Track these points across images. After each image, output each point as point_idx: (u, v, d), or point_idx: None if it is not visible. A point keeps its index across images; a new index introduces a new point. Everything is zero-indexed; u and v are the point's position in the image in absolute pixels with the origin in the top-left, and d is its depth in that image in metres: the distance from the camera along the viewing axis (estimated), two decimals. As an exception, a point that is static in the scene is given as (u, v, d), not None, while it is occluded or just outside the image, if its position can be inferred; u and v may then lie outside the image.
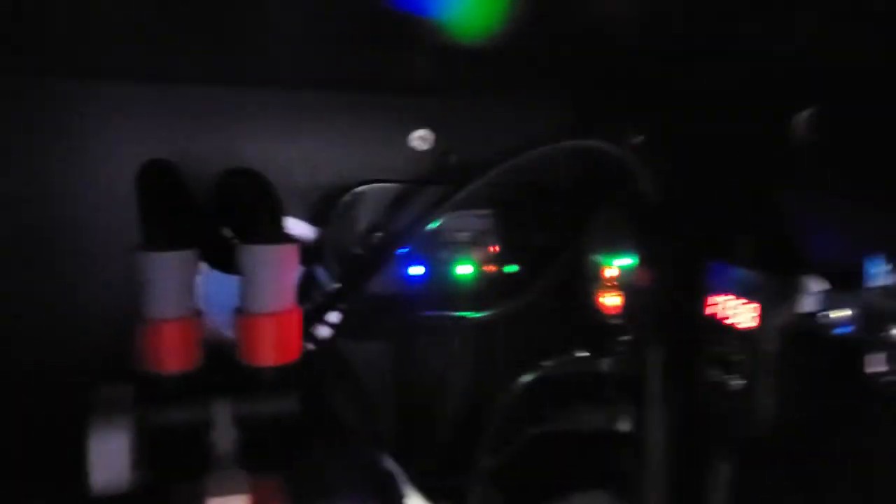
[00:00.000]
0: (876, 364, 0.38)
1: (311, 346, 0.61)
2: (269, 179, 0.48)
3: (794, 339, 0.44)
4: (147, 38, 0.46)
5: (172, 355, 0.43)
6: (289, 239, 0.46)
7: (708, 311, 0.47)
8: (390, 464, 0.47)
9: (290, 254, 0.45)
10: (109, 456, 0.38)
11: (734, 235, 0.47)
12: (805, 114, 0.44)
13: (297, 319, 0.46)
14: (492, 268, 0.64)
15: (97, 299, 0.56)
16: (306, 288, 0.62)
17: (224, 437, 0.43)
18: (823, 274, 0.42)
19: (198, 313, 0.45)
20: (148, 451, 0.42)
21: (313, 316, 0.61)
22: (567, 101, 0.67)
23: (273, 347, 0.45)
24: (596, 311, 0.56)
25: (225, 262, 0.48)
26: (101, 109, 0.56)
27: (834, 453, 0.44)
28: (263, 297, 0.45)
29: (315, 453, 0.45)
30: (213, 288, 0.60)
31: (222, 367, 0.47)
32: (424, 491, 0.49)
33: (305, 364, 0.58)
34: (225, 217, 0.49)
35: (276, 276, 0.45)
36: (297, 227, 0.62)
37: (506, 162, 0.53)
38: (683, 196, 0.53)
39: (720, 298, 0.46)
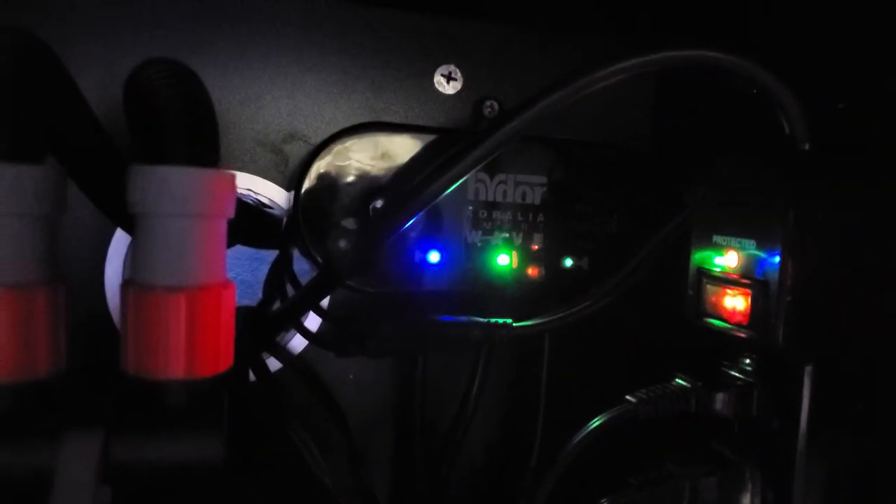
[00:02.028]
0: None
1: (273, 362, 0.43)
2: (197, 76, 0.29)
3: None
4: None
5: (-2, 352, 0.24)
6: (217, 164, 0.27)
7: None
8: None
9: (218, 185, 0.26)
10: None
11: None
12: None
13: (228, 302, 0.27)
14: (535, 271, 0.46)
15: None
16: (276, 280, 0.44)
17: (78, 499, 0.24)
18: None
19: (58, 282, 0.26)
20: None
21: (282, 320, 0.43)
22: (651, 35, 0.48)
23: (182, 348, 0.26)
24: (707, 320, 0.37)
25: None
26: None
27: None
28: (166, 260, 0.26)
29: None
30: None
31: (115, 383, 0.28)
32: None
33: (263, 390, 0.40)
34: (132, 135, 0.31)
35: (192, 222, 0.26)
36: (266, 190, 0.44)
37: (573, 83, 0.35)
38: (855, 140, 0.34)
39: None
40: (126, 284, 0.26)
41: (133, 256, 0.27)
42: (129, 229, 0.33)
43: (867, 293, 0.32)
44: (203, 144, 0.27)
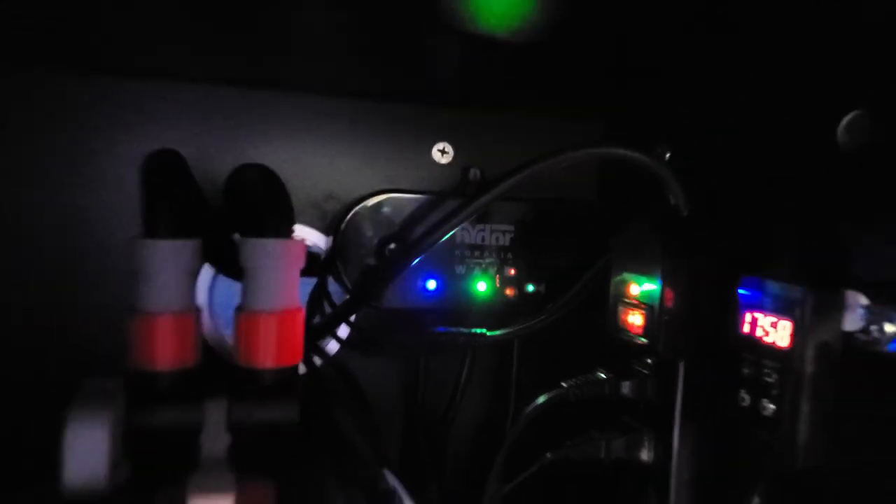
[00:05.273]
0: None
1: (318, 361, 0.59)
2: (278, 175, 0.46)
3: (835, 359, 0.40)
4: (167, 36, 0.46)
5: (166, 351, 0.41)
6: (293, 235, 0.44)
7: (742, 329, 0.44)
8: (393, 481, 0.44)
9: (294, 250, 0.43)
10: (86, 451, 0.35)
11: (771, 248, 0.44)
12: (850, 118, 0.42)
13: (300, 320, 0.43)
14: (512, 291, 0.62)
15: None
16: (317, 300, 0.60)
17: (215, 440, 0.40)
18: (872, 288, 0.39)
19: (197, 309, 0.42)
20: (133, 450, 0.39)
21: (322, 330, 0.59)
22: (598, 119, 0.64)
23: (273, 348, 0.42)
24: (619, 332, 0.53)
25: (232, 267, 0.45)
26: (119, 108, 0.55)
27: (882, 487, 0.40)
28: (264, 294, 0.42)
29: (312, 464, 0.42)
30: (220, 293, 0.58)
31: (221, 369, 0.44)
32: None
33: (311, 378, 0.56)
34: (233, 215, 0.47)
35: (279, 272, 0.42)
36: (310, 236, 0.60)
37: (527, 169, 0.51)
38: (715, 209, 0.50)
39: (756, 315, 0.43)
40: (239, 309, 0.43)
41: (243, 292, 0.43)
42: (228, 274, 0.49)
43: (716, 314, 0.47)
44: (285, 223, 0.43)
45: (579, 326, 0.59)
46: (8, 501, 0.37)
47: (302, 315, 0.44)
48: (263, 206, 0.43)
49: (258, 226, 0.43)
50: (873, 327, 0.36)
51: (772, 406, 0.42)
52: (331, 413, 0.53)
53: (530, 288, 0.62)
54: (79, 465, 0.35)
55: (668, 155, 0.57)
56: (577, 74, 0.53)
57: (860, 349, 0.37)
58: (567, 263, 0.62)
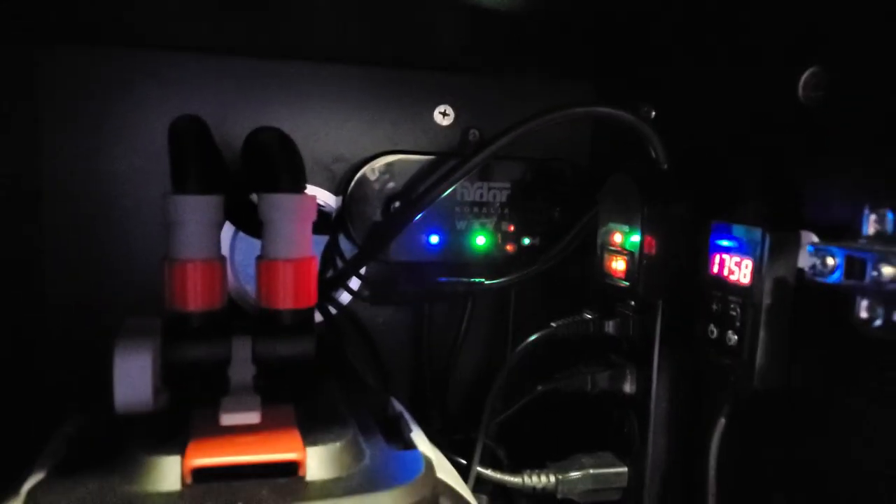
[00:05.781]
0: (864, 310, 0.39)
1: (333, 311, 0.64)
2: (290, 137, 0.50)
3: (788, 293, 0.45)
4: (187, 10, 0.50)
5: (197, 294, 0.46)
6: (305, 189, 0.49)
7: (712, 269, 0.49)
8: (400, 407, 0.49)
9: (307, 203, 0.48)
10: (133, 374, 0.40)
11: (738, 195, 0.49)
12: (808, 73, 0.46)
13: (314, 267, 0.49)
14: (511, 247, 0.66)
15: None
16: (329, 256, 0.65)
17: (242, 372, 0.46)
18: (821, 228, 0.44)
19: (222, 258, 0.48)
20: (170, 381, 0.45)
21: (335, 282, 0.64)
22: (589, 82, 0.69)
23: (290, 291, 0.47)
24: (604, 277, 0.57)
25: (251, 224, 0.51)
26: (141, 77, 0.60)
27: (830, 405, 0.45)
28: (281, 244, 0.47)
29: (327, 391, 0.47)
30: (241, 251, 0.63)
31: (244, 318, 0.49)
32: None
33: (327, 324, 0.61)
34: (251, 175, 0.52)
35: (294, 223, 0.47)
36: (321, 196, 0.65)
37: (520, 128, 0.55)
38: (690, 160, 0.54)
39: (723, 257, 0.48)
40: (259, 258, 0.48)
41: (262, 243, 0.48)
42: (247, 231, 0.54)
43: (690, 257, 0.52)
44: (298, 179, 0.48)
45: (570, 274, 0.63)
46: (68, 422, 0.43)
47: (316, 263, 0.49)
48: (279, 164, 0.48)
49: (274, 182, 0.48)
50: (818, 262, 0.40)
51: (735, 336, 0.47)
52: (344, 353, 0.59)
53: (526, 241, 0.67)
54: (127, 387, 0.41)
55: (652, 114, 0.61)
56: (571, 40, 0.57)
57: (809, 283, 0.41)
58: (559, 218, 0.66)
